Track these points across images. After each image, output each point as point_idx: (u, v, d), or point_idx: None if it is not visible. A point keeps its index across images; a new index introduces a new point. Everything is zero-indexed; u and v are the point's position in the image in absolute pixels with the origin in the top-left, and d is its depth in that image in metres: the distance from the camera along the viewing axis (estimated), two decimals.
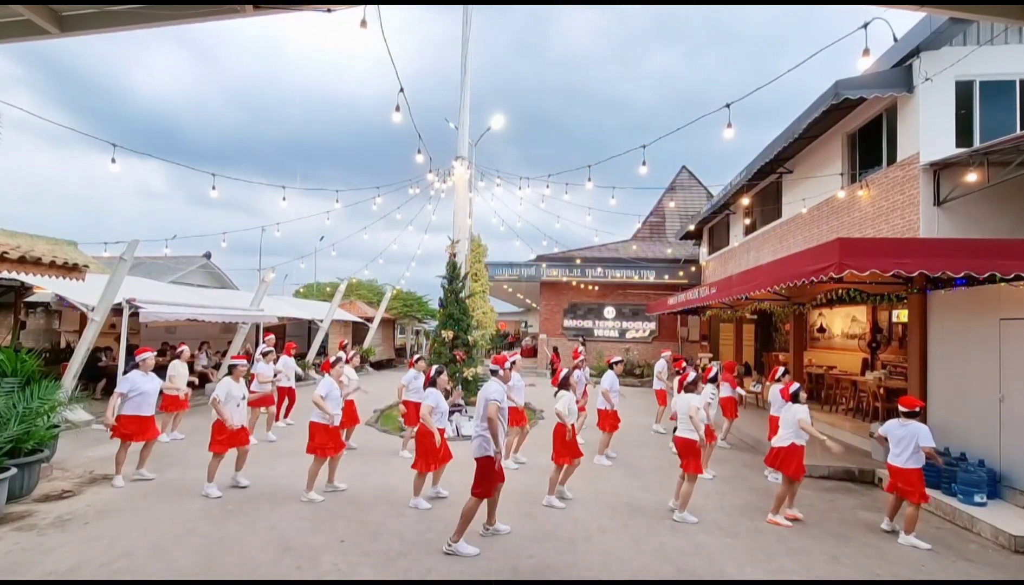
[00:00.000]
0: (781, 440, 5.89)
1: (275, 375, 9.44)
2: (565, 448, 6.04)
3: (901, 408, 5.46)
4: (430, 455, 5.75)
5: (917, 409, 5.38)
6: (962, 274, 5.95)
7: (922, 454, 5.22)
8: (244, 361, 6.67)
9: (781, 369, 7.62)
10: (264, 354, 9.43)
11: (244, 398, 6.48)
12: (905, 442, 5.29)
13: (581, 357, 9.10)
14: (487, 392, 4.93)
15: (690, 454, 5.73)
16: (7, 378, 6.59)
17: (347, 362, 6.56)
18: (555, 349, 20.71)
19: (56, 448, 7.02)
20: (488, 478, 4.79)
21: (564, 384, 6.01)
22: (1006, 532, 5.29)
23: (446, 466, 6.08)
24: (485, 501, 4.93)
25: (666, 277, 20.70)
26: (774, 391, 7.39)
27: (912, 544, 5.16)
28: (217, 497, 5.94)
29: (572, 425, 6.10)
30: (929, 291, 7.46)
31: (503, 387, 5.17)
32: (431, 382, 5.96)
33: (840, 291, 9.05)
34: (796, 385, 6.11)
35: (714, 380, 7.67)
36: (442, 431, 6.01)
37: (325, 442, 6.08)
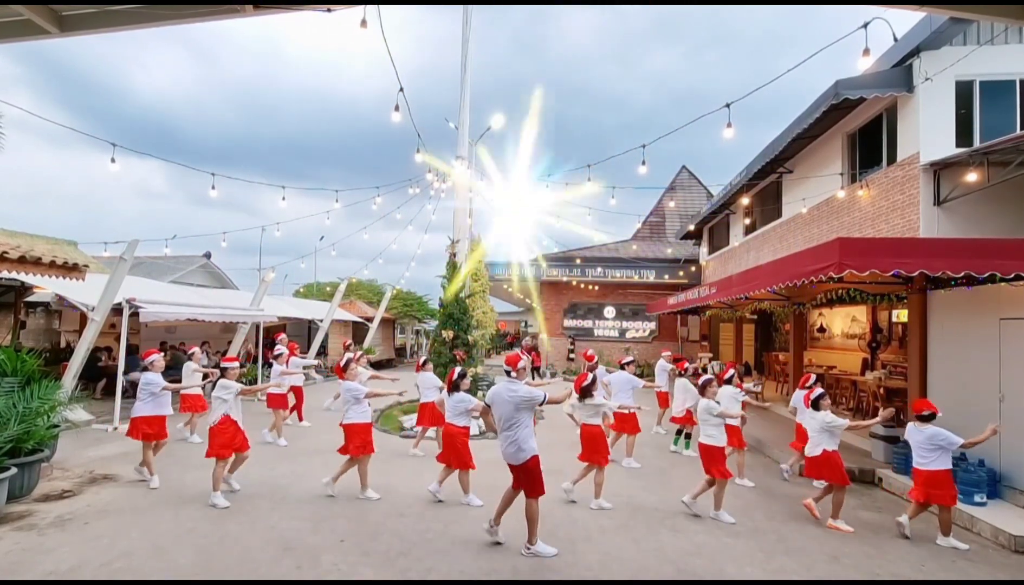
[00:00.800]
0: (813, 449, 5.85)
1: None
2: (601, 448, 6.08)
3: (914, 413, 5.42)
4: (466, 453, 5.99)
5: (926, 413, 5.31)
6: (962, 274, 5.95)
7: (949, 454, 5.18)
8: (236, 363, 6.61)
9: (813, 376, 7.34)
10: (277, 357, 9.53)
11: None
12: (926, 446, 5.24)
13: (595, 360, 9.09)
14: (519, 389, 4.73)
15: (715, 460, 5.72)
16: (7, 378, 6.60)
17: (356, 361, 6.64)
18: (535, 349, 20.27)
19: (56, 448, 7.02)
20: (540, 475, 4.74)
21: (587, 392, 5.91)
22: (1006, 532, 5.29)
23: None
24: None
25: (666, 277, 20.70)
26: (798, 398, 7.23)
27: (952, 545, 5.15)
28: (225, 507, 5.69)
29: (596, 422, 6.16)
30: (929, 291, 7.46)
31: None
32: (454, 385, 5.99)
33: (840, 291, 9.05)
34: (819, 391, 6.03)
35: (729, 381, 7.44)
36: (467, 430, 6.11)
37: (367, 440, 6.13)
